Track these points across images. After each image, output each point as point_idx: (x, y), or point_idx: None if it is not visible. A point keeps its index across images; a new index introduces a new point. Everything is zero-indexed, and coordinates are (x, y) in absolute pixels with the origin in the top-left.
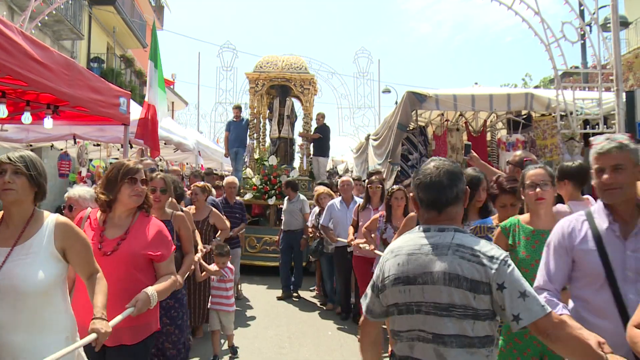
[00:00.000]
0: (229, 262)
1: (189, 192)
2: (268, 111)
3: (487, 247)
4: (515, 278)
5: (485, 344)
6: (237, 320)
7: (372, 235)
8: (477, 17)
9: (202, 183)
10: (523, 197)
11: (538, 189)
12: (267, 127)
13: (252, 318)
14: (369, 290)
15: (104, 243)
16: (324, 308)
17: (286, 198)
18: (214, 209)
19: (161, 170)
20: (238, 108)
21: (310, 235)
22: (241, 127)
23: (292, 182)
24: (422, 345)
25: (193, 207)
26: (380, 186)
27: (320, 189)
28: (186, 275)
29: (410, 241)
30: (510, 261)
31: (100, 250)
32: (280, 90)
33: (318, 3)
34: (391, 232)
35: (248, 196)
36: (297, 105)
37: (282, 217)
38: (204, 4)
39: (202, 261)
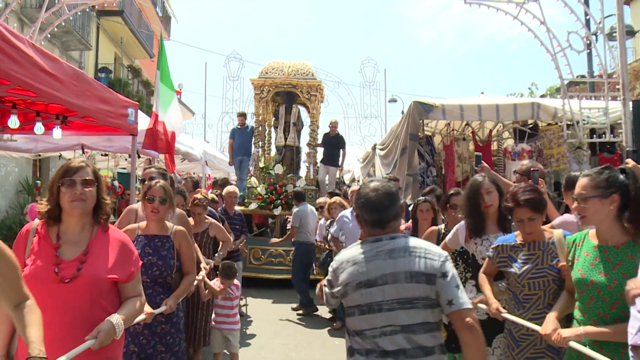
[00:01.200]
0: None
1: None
2: (274, 118)
3: (433, 247)
4: (454, 273)
5: (439, 326)
6: (241, 330)
7: None
8: (482, 26)
9: (211, 193)
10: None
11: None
12: (273, 135)
13: (258, 328)
14: (327, 290)
15: (62, 266)
16: (333, 326)
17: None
18: (213, 220)
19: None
20: (242, 115)
21: (319, 246)
22: (246, 134)
23: (298, 193)
24: (391, 337)
25: (190, 218)
26: None
27: (334, 198)
28: (182, 298)
29: (364, 251)
30: (449, 259)
31: (57, 275)
32: (286, 96)
33: (324, 13)
34: None
35: (253, 206)
36: (303, 113)
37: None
38: (211, 15)
39: (206, 279)
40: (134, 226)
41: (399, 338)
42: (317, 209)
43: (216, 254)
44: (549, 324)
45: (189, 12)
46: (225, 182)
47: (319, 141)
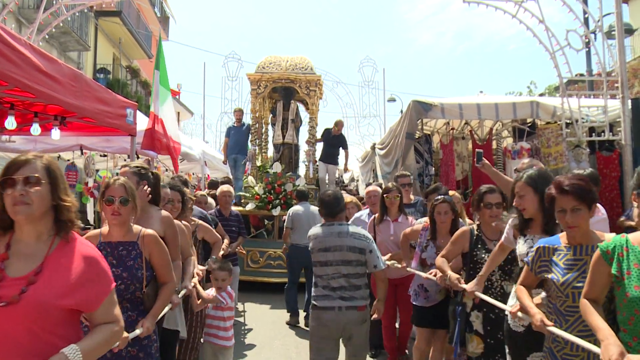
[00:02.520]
0: (228, 287)
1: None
2: (271, 115)
3: (363, 232)
4: (376, 248)
5: (364, 276)
6: (241, 331)
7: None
8: (479, 26)
9: (203, 192)
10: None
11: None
12: (269, 133)
13: (258, 329)
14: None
15: (3, 284)
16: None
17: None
18: (200, 221)
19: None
20: (240, 111)
21: None
22: (241, 132)
23: (301, 192)
24: (336, 280)
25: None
26: (399, 195)
27: (347, 197)
28: (161, 314)
29: (323, 230)
30: (373, 240)
31: None
32: (283, 92)
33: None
34: (433, 252)
35: (250, 206)
36: (301, 111)
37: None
38: (209, 15)
39: (199, 287)
40: (96, 232)
41: (341, 280)
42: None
43: (209, 259)
44: (612, 347)
45: (187, 12)
46: (226, 182)
47: (318, 137)
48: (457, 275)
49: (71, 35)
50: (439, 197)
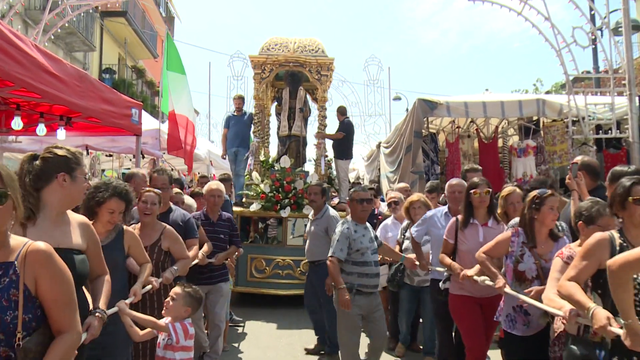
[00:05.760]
0: (188, 320)
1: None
2: (276, 104)
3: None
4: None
5: None
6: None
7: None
8: (483, 24)
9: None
10: None
11: None
12: (272, 125)
13: (265, 328)
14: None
15: None
16: (394, 354)
17: (311, 213)
18: (168, 226)
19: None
20: (240, 98)
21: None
22: (242, 122)
23: (323, 189)
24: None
25: (138, 225)
26: (490, 190)
27: (415, 195)
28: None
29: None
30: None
31: None
32: (290, 78)
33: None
34: (531, 263)
35: (255, 207)
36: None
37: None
38: (214, 15)
39: (134, 314)
40: None
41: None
42: (388, 205)
43: (168, 269)
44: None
45: (193, 12)
46: (225, 179)
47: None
48: (608, 314)
49: (77, 36)
50: (544, 190)
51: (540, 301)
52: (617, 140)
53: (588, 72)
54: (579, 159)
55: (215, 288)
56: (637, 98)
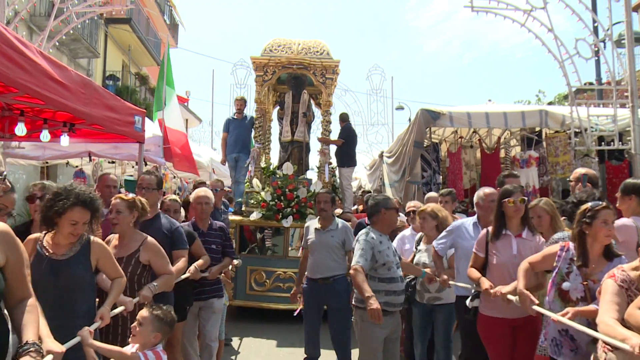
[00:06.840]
0: (159, 345)
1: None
2: (278, 108)
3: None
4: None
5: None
6: (248, 333)
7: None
8: (486, 34)
9: (131, 195)
10: None
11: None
12: (274, 130)
13: (264, 345)
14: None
15: None
16: None
17: (313, 223)
18: (149, 238)
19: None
20: (242, 100)
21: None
22: (244, 126)
23: (332, 197)
24: None
25: (116, 235)
26: (525, 199)
27: (426, 205)
28: None
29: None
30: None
31: None
32: (294, 82)
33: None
34: (578, 283)
35: (255, 215)
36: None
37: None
38: (218, 23)
39: (97, 344)
40: None
41: None
42: (407, 215)
43: (146, 286)
44: None
45: (197, 20)
46: (218, 186)
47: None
48: None
49: (81, 43)
50: (597, 202)
51: (586, 325)
52: (620, 152)
53: (591, 83)
54: (581, 170)
55: (207, 304)
56: (639, 110)
